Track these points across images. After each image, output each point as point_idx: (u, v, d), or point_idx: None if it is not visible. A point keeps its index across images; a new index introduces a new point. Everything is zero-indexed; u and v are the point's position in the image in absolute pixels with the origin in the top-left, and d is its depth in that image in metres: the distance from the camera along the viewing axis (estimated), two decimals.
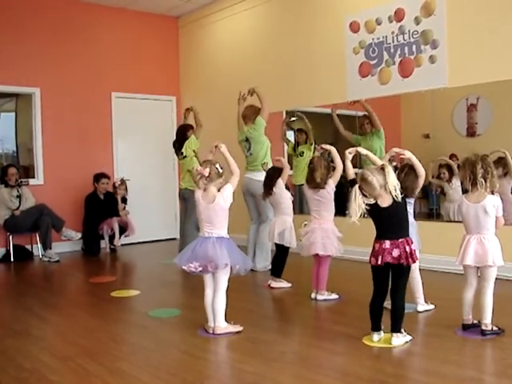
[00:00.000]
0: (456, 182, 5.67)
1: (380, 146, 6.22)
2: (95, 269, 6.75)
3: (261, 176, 5.59)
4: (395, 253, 3.33)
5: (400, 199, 3.33)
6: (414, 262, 3.39)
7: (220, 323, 3.72)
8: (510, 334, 3.51)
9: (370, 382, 2.91)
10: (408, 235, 3.41)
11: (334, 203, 4.68)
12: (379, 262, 3.36)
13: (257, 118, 6.03)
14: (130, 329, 4.11)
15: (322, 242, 4.57)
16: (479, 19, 5.35)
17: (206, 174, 3.67)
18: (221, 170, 3.71)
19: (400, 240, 3.35)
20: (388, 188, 3.31)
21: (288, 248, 5.14)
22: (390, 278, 3.44)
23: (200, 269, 3.66)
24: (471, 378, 2.93)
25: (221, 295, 3.71)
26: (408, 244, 3.35)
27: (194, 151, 6.35)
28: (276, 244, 5.19)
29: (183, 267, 3.70)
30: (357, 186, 3.39)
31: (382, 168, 3.35)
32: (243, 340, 3.64)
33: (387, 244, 3.36)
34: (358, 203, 3.33)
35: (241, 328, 3.77)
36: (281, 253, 5.18)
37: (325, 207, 4.64)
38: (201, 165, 3.82)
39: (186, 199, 6.53)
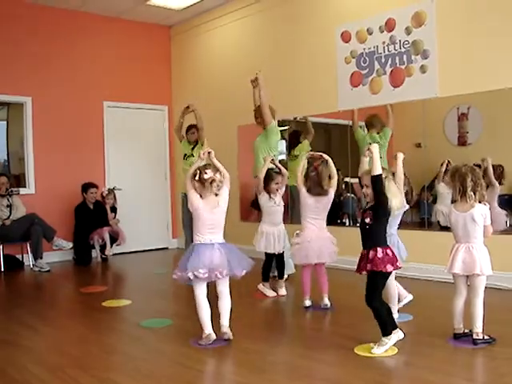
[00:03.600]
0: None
1: (384, 143, 6.20)
2: (86, 278, 6.71)
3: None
4: None
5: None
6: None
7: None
8: (501, 342, 3.52)
9: None
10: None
11: None
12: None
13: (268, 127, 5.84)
14: (121, 339, 4.09)
15: (327, 251, 4.62)
16: (469, 29, 5.39)
17: (217, 180, 3.74)
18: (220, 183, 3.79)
19: None
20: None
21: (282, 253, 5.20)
22: None
23: (206, 275, 3.65)
24: None
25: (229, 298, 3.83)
26: None
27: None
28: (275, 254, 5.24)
29: (189, 274, 3.66)
30: (388, 176, 3.57)
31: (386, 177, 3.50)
32: (234, 350, 3.63)
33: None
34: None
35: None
36: (279, 258, 5.24)
37: (323, 215, 4.67)
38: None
39: None
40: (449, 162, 5.70)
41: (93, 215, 7.73)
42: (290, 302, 4.93)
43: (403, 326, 3.90)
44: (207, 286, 3.78)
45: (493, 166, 5.29)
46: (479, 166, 4.81)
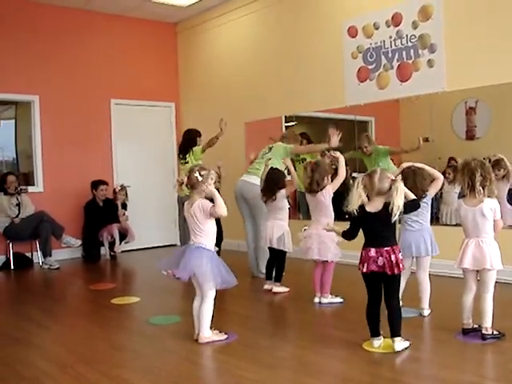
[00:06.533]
0: (457, 187, 5.66)
1: (388, 162, 6.29)
2: (95, 276, 6.75)
3: (256, 180, 5.60)
4: (380, 261, 3.31)
5: (394, 219, 3.28)
6: (400, 271, 3.33)
7: (204, 333, 3.68)
8: (510, 338, 3.50)
9: None
10: (395, 244, 3.38)
11: (331, 208, 4.68)
12: (364, 270, 3.36)
13: (288, 147, 5.74)
14: (130, 336, 4.10)
15: (317, 247, 4.59)
16: (477, 23, 5.36)
17: (185, 182, 3.69)
18: (200, 178, 3.63)
19: (385, 248, 3.32)
20: (391, 204, 3.24)
21: (285, 252, 5.17)
22: (381, 285, 3.42)
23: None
24: (472, 383, 2.92)
25: (206, 304, 3.66)
26: (394, 253, 3.31)
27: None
28: (271, 248, 5.20)
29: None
30: (361, 177, 3.35)
31: (394, 181, 3.30)
32: (243, 346, 3.63)
33: (372, 252, 3.34)
34: (358, 192, 3.32)
35: (225, 336, 3.74)
36: (279, 258, 5.20)
37: (321, 213, 4.65)
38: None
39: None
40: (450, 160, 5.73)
41: (102, 212, 7.77)
42: (298, 298, 4.93)
43: (410, 322, 3.90)
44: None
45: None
46: (489, 160, 4.77)
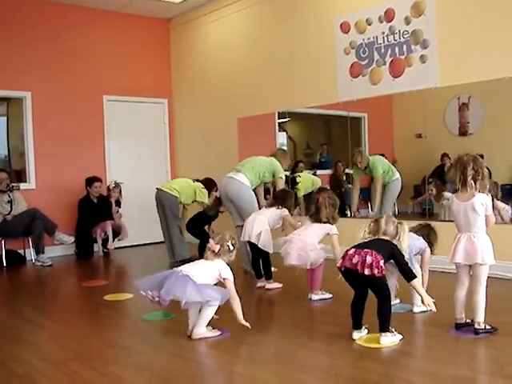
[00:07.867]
0: (445, 195, 5.73)
1: (383, 168, 6.40)
2: (88, 273, 6.73)
3: (244, 179, 5.61)
4: (355, 259, 3.39)
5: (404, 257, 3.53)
6: (371, 274, 3.32)
7: (199, 329, 3.67)
8: (502, 332, 3.52)
9: (362, 382, 2.91)
10: (378, 253, 3.39)
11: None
12: (338, 265, 3.53)
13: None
14: (123, 332, 4.09)
15: (297, 253, 4.58)
16: (469, 18, 5.36)
17: (216, 250, 3.72)
18: (232, 247, 3.74)
19: (365, 250, 3.40)
20: (400, 246, 3.54)
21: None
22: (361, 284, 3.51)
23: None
24: (465, 377, 2.92)
25: (211, 308, 3.67)
26: (371, 255, 3.35)
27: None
28: (252, 246, 5.16)
29: None
30: (368, 222, 3.66)
31: (400, 224, 3.61)
32: (236, 342, 3.63)
33: (351, 251, 3.48)
34: (363, 235, 3.63)
35: (218, 333, 3.73)
36: (262, 255, 5.16)
37: (309, 234, 4.65)
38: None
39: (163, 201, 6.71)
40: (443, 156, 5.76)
41: (96, 209, 7.73)
42: (291, 294, 4.93)
43: (403, 317, 3.91)
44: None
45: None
46: (482, 155, 4.78)
